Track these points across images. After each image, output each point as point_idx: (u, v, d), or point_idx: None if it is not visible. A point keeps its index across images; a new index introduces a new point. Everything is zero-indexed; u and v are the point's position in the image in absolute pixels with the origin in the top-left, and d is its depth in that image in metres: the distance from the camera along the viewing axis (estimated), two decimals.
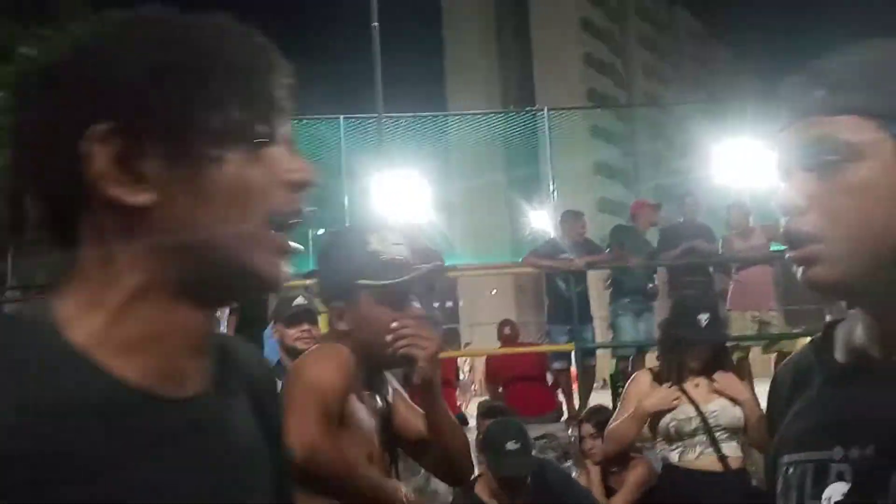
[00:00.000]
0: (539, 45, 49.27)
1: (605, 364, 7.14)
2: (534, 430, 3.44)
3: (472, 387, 7.22)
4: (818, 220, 0.66)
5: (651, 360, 6.68)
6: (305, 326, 2.95)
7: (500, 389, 5.94)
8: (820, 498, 0.67)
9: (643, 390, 3.08)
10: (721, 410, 2.91)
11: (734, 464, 2.89)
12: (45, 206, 0.54)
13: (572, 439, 4.05)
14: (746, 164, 7.89)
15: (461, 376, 6.98)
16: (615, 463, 3.47)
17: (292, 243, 0.59)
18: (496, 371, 6.10)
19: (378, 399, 1.51)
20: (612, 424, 3.17)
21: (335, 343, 1.44)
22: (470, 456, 1.63)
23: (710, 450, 2.91)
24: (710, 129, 10.42)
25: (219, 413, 0.59)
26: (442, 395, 1.56)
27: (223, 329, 6.49)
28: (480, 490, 2.88)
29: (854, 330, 0.72)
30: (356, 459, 1.36)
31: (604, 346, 6.62)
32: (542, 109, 10.48)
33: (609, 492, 3.44)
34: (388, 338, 1.40)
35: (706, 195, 6.94)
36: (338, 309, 1.45)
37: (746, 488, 2.86)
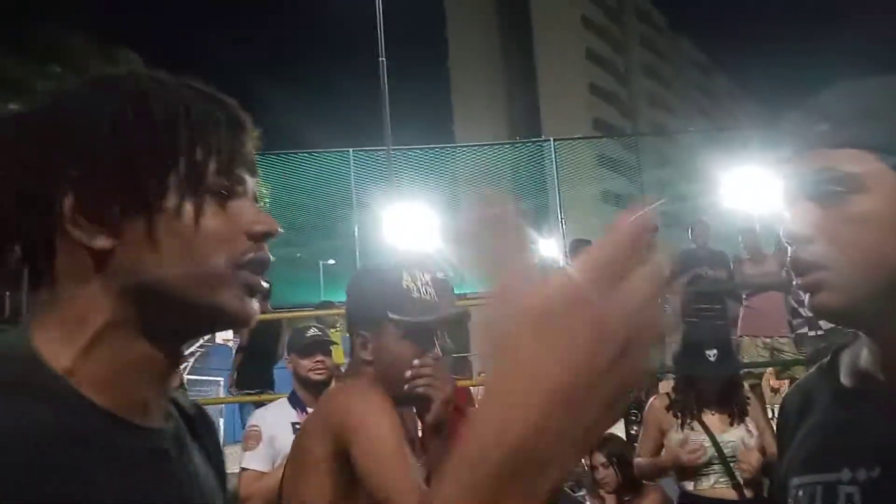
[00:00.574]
0: (544, 75, 49.71)
1: None
2: None
3: None
4: (823, 249, 0.69)
5: (665, 387, 6.64)
6: (319, 357, 2.96)
7: None
8: None
9: (660, 416, 3.11)
10: (737, 441, 2.91)
11: (750, 492, 2.87)
12: (20, 245, 0.58)
13: (585, 468, 4.02)
14: (752, 191, 7.92)
15: (475, 405, 6.97)
16: (629, 491, 3.45)
17: (261, 281, 0.62)
18: None
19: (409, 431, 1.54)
20: (641, 460, 3.18)
21: (363, 380, 1.43)
22: None
23: (726, 479, 2.90)
24: (715, 157, 10.47)
25: (179, 444, 0.63)
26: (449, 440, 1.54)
27: (230, 363, 6.49)
28: None
29: (859, 354, 0.75)
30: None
31: None
32: (549, 140, 10.56)
33: None
34: (408, 374, 1.41)
35: (715, 221, 6.95)
36: (363, 338, 1.45)
37: None
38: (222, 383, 12.51)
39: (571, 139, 11.39)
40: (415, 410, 1.60)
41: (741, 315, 5.89)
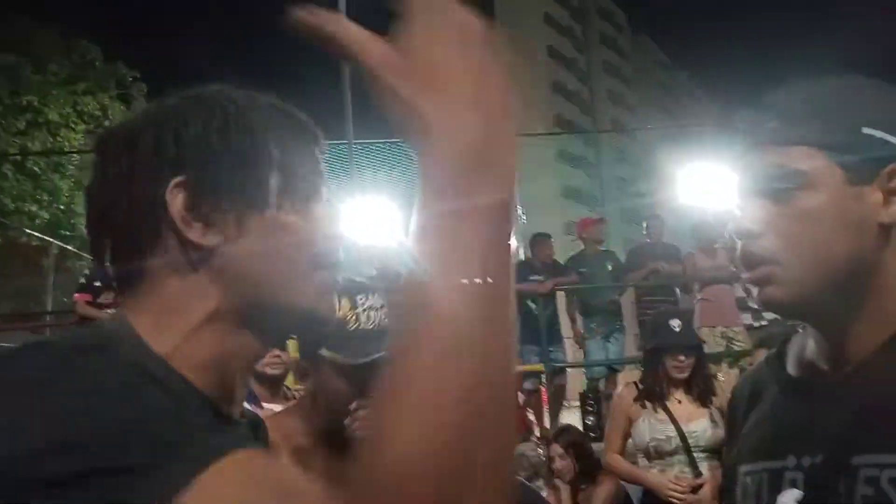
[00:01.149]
0: (507, 72, 49.92)
1: (576, 384, 7.19)
2: None
3: None
4: (772, 244, 0.71)
5: (623, 378, 6.74)
6: (276, 352, 2.92)
7: None
8: None
9: (627, 406, 3.14)
10: (701, 432, 2.95)
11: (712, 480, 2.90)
12: (127, 243, 0.63)
13: (542, 459, 4.07)
14: (709, 186, 8.09)
15: None
16: (585, 480, 3.50)
17: (336, 281, 0.68)
18: None
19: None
20: (621, 462, 3.20)
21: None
22: None
23: (688, 469, 2.96)
24: (673, 154, 10.65)
25: (256, 440, 0.69)
26: None
27: None
28: None
29: (805, 345, 0.77)
30: None
31: (573, 366, 6.68)
32: None
33: None
34: (346, 420, 1.24)
35: (671, 216, 7.09)
36: (303, 367, 1.35)
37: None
38: None
39: (534, 135, 11.46)
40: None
41: (697, 307, 6.02)
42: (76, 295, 5.04)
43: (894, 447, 0.63)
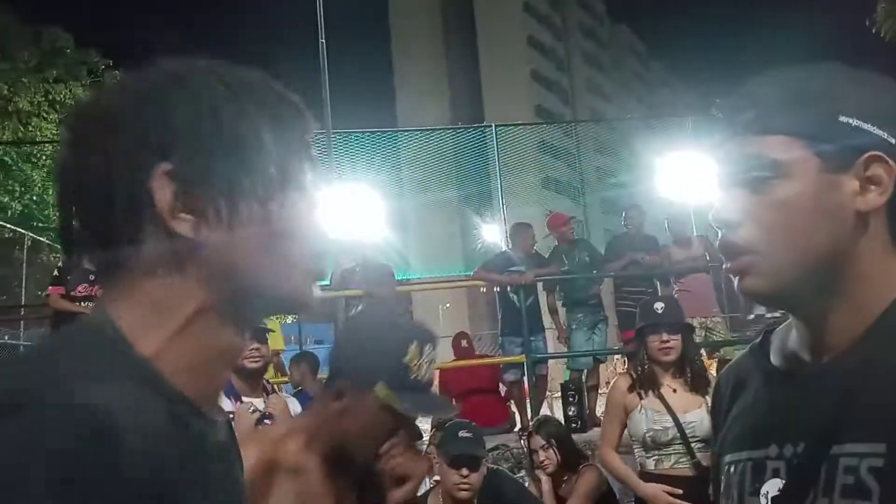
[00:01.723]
0: (487, 61, 49.88)
1: (557, 376, 7.23)
2: (488, 442, 3.47)
3: None
4: (751, 234, 0.71)
5: (605, 370, 6.79)
6: (255, 345, 2.90)
7: (455, 402, 5.95)
8: (758, 494, 0.71)
9: (623, 397, 3.11)
10: (699, 422, 2.92)
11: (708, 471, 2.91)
12: (107, 234, 0.59)
13: (525, 450, 4.08)
14: (687, 176, 8.15)
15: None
16: (567, 471, 3.52)
17: (323, 269, 0.67)
18: (450, 384, 6.11)
19: None
20: (618, 464, 3.17)
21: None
22: None
23: (686, 458, 2.94)
24: (652, 144, 10.72)
25: (231, 440, 0.67)
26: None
27: None
28: (433, 501, 2.89)
29: (788, 335, 0.77)
30: None
31: (554, 357, 6.71)
32: (491, 125, 10.60)
33: (560, 501, 3.49)
34: (382, 454, 1.32)
35: (650, 207, 7.12)
36: (340, 388, 1.30)
37: None
38: None
39: (514, 125, 11.45)
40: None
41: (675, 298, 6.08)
42: (49, 288, 4.94)
43: (873, 436, 0.63)
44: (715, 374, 3.28)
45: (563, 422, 5.08)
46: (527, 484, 3.67)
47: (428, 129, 12.69)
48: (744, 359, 0.83)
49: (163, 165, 0.57)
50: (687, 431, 2.93)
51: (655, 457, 3.00)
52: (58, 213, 0.62)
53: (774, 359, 0.78)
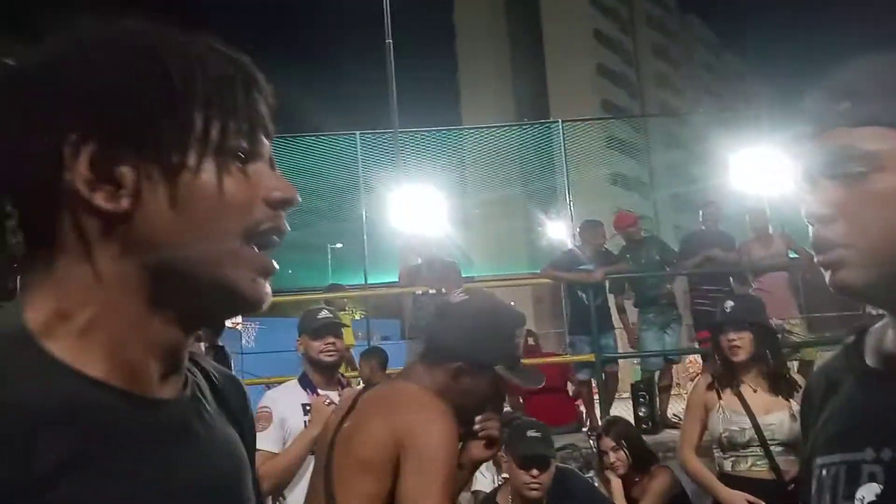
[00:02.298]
0: (552, 57, 49.35)
1: (626, 376, 7.11)
2: (555, 441, 3.44)
3: None
4: (844, 228, 0.69)
5: (676, 370, 6.62)
6: (331, 339, 2.97)
7: (521, 400, 5.94)
8: (853, 498, 0.68)
9: (703, 396, 3.06)
10: (779, 424, 2.83)
11: (788, 475, 2.80)
12: (19, 210, 0.53)
13: (594, 450, 4.03)
14: (762, 172, 7.86)
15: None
16: (638, 472, 3.46)
17: (273, 263, 0.58)
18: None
19: None
20: (699, 467, 3.08)
21: (434, 395, 1.51)
22: None
23: (764, 461, 2.85)
24: (725, 138, 10.37)
25: (198, 412, 0.60)
26: None
27: (239, 346, 6.50)
28: (502, 499, 2.89)
29: (884, 335, 0.74)
30: None
31: (623, 357, 6.59)
32: (557, 121, 10.50)
33: (632, 502, 3.43)
34: (478, 418, 1.54)
35: (725, 203, 6.90)
36: (459, 367, 1.51)
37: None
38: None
39: (580, 121, 11.30)
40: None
41: None
42: None
43: None
44: (795, 376, 3.16)
45: (633, 423, 4.99)
46: (596, 484, 3.62)
47: (493, 127, 12.67)
48: (837, 359, 0.80)
49: (77, 131, 0.51)
50: (766, 433, 2.83)
51: (732, 458, 2.92)
52: None
53: (870, 359, 0.75)
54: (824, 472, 0.72)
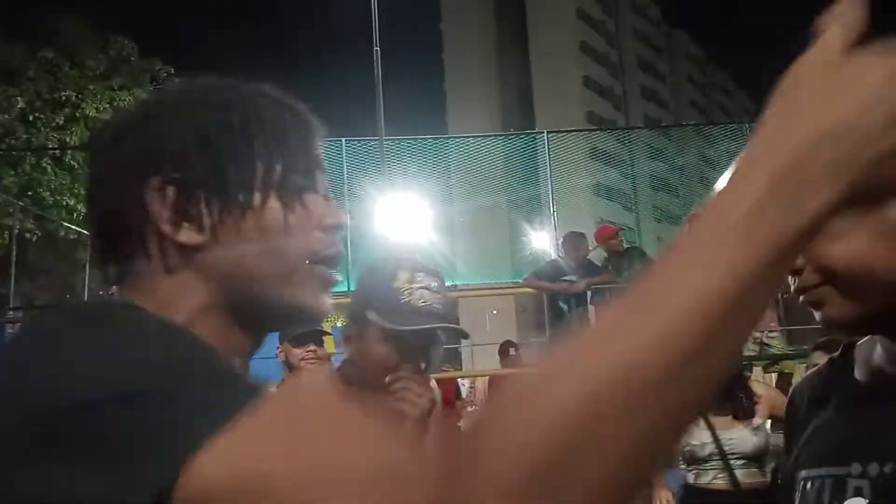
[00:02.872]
0: (539, 68, 49.72)
1: None
2: None
3: (468, 408, 7.18)
4: (814, 272, 0.69)
5: None
6: (311, 347, 2.95)
7: None
8: None
9: None
10: (739, 439, 2.92)
11: (749, 486, 2.89)
12: (112, 238, 0.62)
13: None
14: None
15: (462, 396, 6.98)
16: None
17: (334, 276, 0.66)
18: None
19: None
20: None
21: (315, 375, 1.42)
22: None
23: (724, 475, 2.93)
24: (709, 151, 10.48)
25: None
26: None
27: None
28: None
29: (873, 350, 0.74)
30: None
31: None
32: (542, 132, 10.55)
33: None
34: (386, 384, 1.31)
35: None
36: (348, 332, 1.41)
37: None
38: None
39: (565, 132, 11.37)
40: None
41: None
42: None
43: None
44: (772, 389, 3.22)
45: None
46: None
47: (479, 136, 12.71)
48: (823, 372, 0.80)
49: (158, 177, 0.60)
50: (726, 448, 2.92)
51: (695, 471, 3.04)
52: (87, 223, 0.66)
53: (858, 373, 0.74)
54: (808, 485, 0.71)
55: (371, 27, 9.66)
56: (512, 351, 6.54)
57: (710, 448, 2.93)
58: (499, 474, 0.33)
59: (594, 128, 34.36)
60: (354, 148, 9.93)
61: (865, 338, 0.75)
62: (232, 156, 0.61)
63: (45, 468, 0.41)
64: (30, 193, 13.61)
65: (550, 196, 10.17)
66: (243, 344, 0.64)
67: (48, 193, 13.97)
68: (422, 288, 1.33)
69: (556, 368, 0.36)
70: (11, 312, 8.66)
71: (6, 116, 13.65)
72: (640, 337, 0.35)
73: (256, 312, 0.63)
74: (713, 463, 2.95)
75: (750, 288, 0.36)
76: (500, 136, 14.09)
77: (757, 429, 2.93)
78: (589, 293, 5.99)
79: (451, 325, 1.37)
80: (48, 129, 14.29)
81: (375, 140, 9.62)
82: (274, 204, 0.62)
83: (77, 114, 14.70)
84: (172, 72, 16.53)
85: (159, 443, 0.40)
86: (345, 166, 9.69)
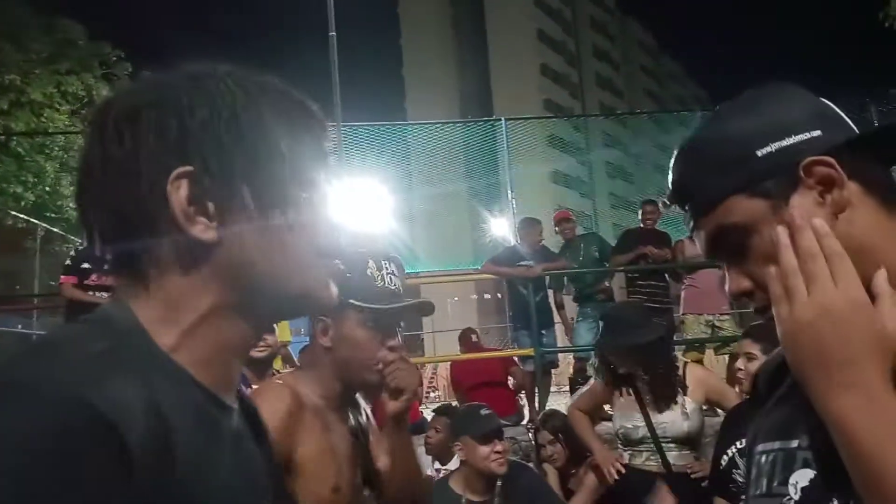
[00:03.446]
0: (496, 56, 49.77)
1: (567, 369, 7.24)
2: None
3: (431, 393, 7.18)
4: (763, 294, 0.73)
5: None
6: (263, 336, 2.92)
7: (465, 395, 5.97)
8: (787, 483, 0.71)
9: (604, 389, 3.24)
10: (671, 423, 2.98)
11: (680, 468, 2.98)
12: (126, 228, 0.60)
13: (533, 443, 4.09)
14: None
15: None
16: (575, 465, 3.53)
17: (338, 265, 0.70)
18: (460, 377, 6.13)
19: (352, 419, 1.49)
20: (582, 423, 3.35)
21: (276, 383, 1.44)
22: (428, 498, 1.63)
23: (656, 456, 3.01)
24: (662, 138, 10.67)
25: (241, 427, 0.69)
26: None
27: None
28: (455, 484, 2.90)
29: None
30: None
31: (564, 351, 6.71)
32: (500, 119, 10.58)
33: (567, 493, 3.49)
34: (378, 365, 1.42)
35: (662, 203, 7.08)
36: (323, 324, 1.44)
37: (691, 485, 2.93)
38: None
39: (523, 119, 11.41)
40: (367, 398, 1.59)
41: (683, 294, 6.06)
42: (62, 278, 4.97)
43: None
44: (710, 374, 3.33)
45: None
46: None
47: (437, 123, 12.67)
48: (780, 354, 0.83)
49: (180, 168, 0.59)
50: (658, 431, 3.00)
51: (630, 452, 3.11)
52: (78, 204, 0.63)
53: None
54: (763, 458, 0.74)
55: (326, 11, 9.52)
56: (473, 337, 6.59)
57: (643, 431, 3.01)
58: None
59: (552, 115, 34.60)
60: None
61: None
62: (259, 150, 0.61)
63: None
64: None
65: (509, 183, 10.22)
66: (248, 338, 0.65)
67: None
68: (389, 273, 1.47)
69: None
70: None
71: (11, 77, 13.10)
72: None
73: (266, 306, 0.64)
74: (646, 445, 3.03)
75: None
76: (459, 122, 14.07)
77: (689, 413, 2.99)
78: (546, 278, 6.06)
79: (422, 300, 1.51)
80: None
81: (332, 126, 9.51)
82: (292, 201, 0.63)
83: (22, 99, 14.15)
84: (123, 56, 16.03)
85: None
86: None
